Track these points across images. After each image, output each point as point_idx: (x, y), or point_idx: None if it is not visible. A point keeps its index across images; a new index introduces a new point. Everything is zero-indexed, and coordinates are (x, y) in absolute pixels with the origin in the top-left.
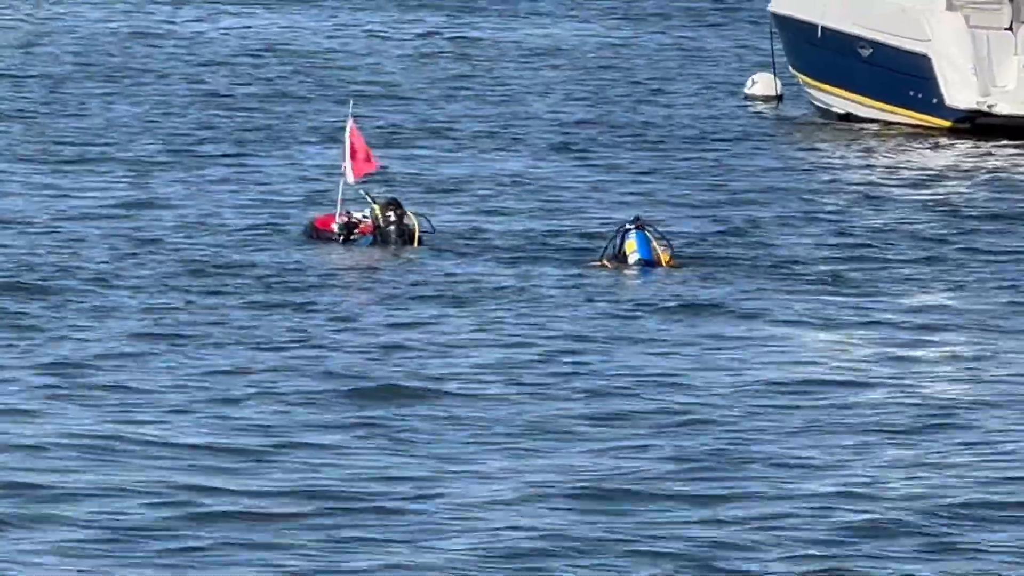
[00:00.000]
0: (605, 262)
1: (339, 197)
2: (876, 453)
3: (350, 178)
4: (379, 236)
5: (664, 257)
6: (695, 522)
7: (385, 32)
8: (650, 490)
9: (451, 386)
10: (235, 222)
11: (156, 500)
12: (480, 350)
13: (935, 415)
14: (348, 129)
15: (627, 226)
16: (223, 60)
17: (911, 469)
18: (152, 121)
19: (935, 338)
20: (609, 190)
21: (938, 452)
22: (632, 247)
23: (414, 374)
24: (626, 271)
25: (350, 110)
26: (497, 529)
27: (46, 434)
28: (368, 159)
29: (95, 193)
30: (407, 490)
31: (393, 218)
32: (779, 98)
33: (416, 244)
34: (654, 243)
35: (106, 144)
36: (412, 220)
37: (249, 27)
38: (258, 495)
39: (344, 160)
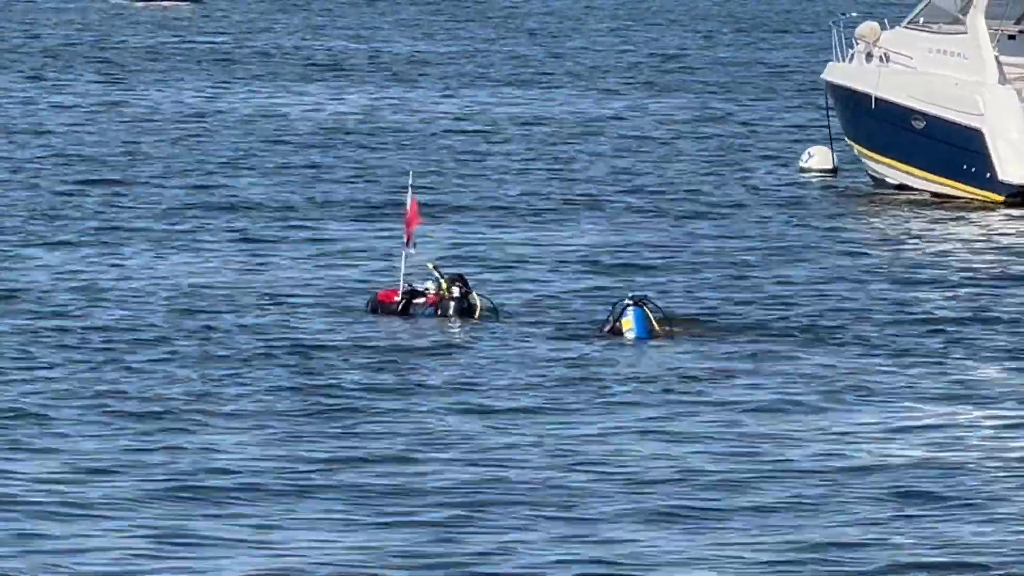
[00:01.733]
0: (604, 331)
1: (402, 270)
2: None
3: (411, 248)
4: (440, 310)
5: (663, 331)
6: None
7: (442, 107)
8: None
9: (502, 460)
10: (296, 296)
11: None
12: (531, 428)
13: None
14: (409, 201)
15: (626, 302)
16: (283, 137)
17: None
18: (211, 196)
19: (973, 411)
20: (663, 263)
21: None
22: (629, 324)
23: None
24: (676, 344)
25: (410, 182)
26: None
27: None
28: (413, 220)
29: (154, 264)
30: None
31: (457, 294)
32: (835, 171)
33: (476, 320)
34: (652, 321)
35: (169, 219)
36: (475, 299)
37: (308, 104)
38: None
39: (405, 233)
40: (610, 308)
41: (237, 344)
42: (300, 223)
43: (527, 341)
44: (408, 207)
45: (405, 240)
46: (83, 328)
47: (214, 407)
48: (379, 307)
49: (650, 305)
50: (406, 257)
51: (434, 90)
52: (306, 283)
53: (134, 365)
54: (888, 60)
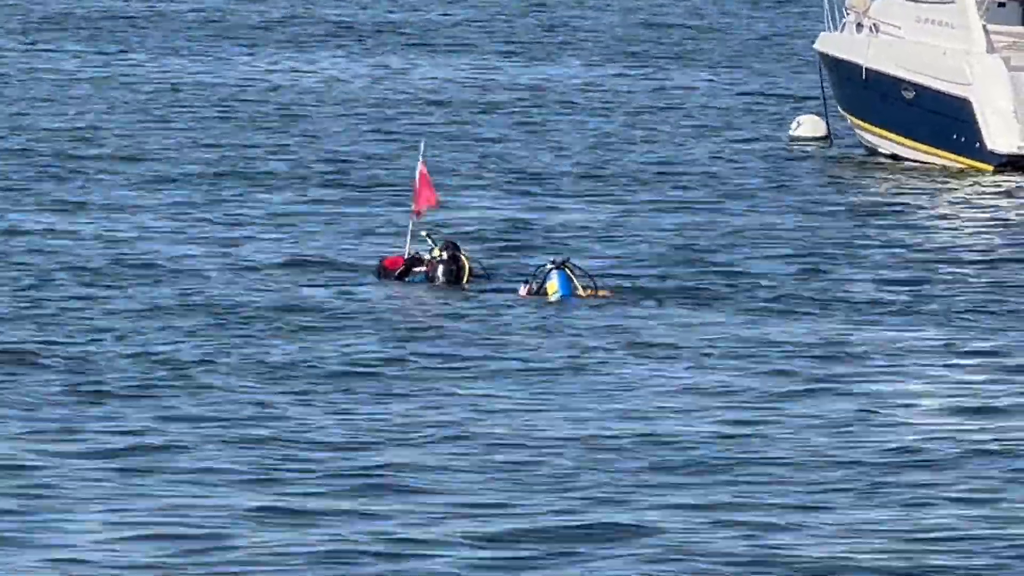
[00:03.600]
0: (523, 293)
1: (408, 237)
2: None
3: (414, 215)
4: (430, 275)
5: (587, 293)
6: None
7: (455, 77)
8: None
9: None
10: (305, 261)
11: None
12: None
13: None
14: (419, 170)
15: (549, 266)
16: (300, 106)
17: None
18: (233, 160)
19: (959, 374)
20: (656, 232)
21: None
22: (554, 288)
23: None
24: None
25: (422, 151)
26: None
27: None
28: (429, 196)
29: (171, 226)
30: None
31: (445, 258)
32: (827, 139)
33: (465, 284)
34: (575, 282)
35: (185, 185)
36: (464, 262)
37: (322, 74)
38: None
39: (414, 200)
40: (531, 272)
41: (244, 309)
42: (314, 190)
43: (486, 305)
44: (418, 176)
45: (415, 210)
46: (98, 295)
47: (212, 379)
48: (385, 273)
49: (571, 266)
50: (412, 223)
51: (419, 60)
52: (312, 247)
53: (136, 338)
54: (878, 30)
